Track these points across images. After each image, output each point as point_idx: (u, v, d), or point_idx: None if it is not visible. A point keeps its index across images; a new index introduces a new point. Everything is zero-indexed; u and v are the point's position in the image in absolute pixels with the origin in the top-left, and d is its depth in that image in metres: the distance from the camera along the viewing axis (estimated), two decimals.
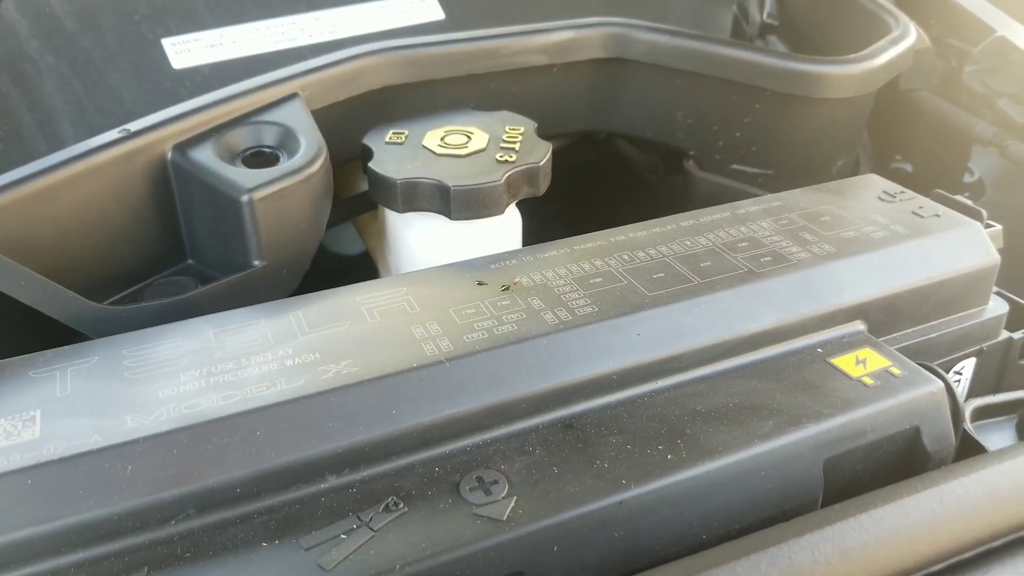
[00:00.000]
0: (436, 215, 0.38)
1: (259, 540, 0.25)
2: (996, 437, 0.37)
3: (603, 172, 0.61)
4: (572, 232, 0.36)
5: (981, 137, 0.55)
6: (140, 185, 0.36)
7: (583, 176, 0.60)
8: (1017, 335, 0.39)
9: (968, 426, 0.35)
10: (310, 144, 0.38)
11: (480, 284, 0.33)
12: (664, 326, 0.31)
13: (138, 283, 0.38)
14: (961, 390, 0.38)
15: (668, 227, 0.37)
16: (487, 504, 0.26)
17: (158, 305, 0.34)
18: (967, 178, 0.62)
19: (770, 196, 0.41)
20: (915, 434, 0.30)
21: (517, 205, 0.41)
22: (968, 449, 0.34)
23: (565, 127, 0.52)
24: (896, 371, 0.31)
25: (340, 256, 0.58)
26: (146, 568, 0.24)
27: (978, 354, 0.38)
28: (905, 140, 0.61)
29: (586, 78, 0.50)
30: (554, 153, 0.41)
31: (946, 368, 0.37)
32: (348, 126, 0.43)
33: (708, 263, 0.34)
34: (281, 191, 0.36)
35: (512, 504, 0.25)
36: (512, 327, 0.30)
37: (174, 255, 0.38)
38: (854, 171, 0.63)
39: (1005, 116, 0.56)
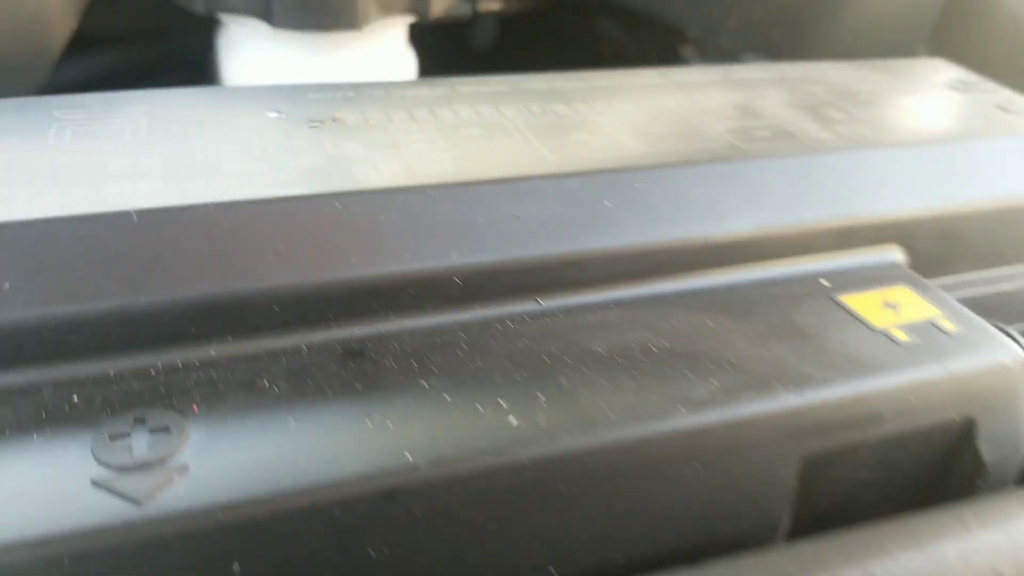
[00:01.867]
0: (258, 25, 0.26)
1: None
2: None
3: (578, 55, 0.48)
4: None
5: None
6: None
7: (550, 57, 0.48)
8: None
9: None
10: None
11: (277, 114, 0.21)
12: (560, 210, 0.19)
13: None
14: None
15: (616, 81, 0.25)
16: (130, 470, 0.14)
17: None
18: None
19: (785, 64, 0.29)
20: (967, 430, 0.18)
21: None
22: None
23: None
24: (948, 324, 0.19)
25: None
26: None
27: None
28: (984, 62, 0.48)
29: None
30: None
31: None
32: None
33: (664, 129, 0.22)
34: None
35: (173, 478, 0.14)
36: (293, 174, 0.18)
37: None
38: None
39: None
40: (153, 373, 0.16)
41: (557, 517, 0.15)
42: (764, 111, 0.24)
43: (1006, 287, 0.24)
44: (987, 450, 0.18)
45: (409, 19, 0.28)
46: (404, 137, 0.20)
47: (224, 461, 0.14)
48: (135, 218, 0.17)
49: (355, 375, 0.17)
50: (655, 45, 0.44)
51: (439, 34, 0.38)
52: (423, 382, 0.16)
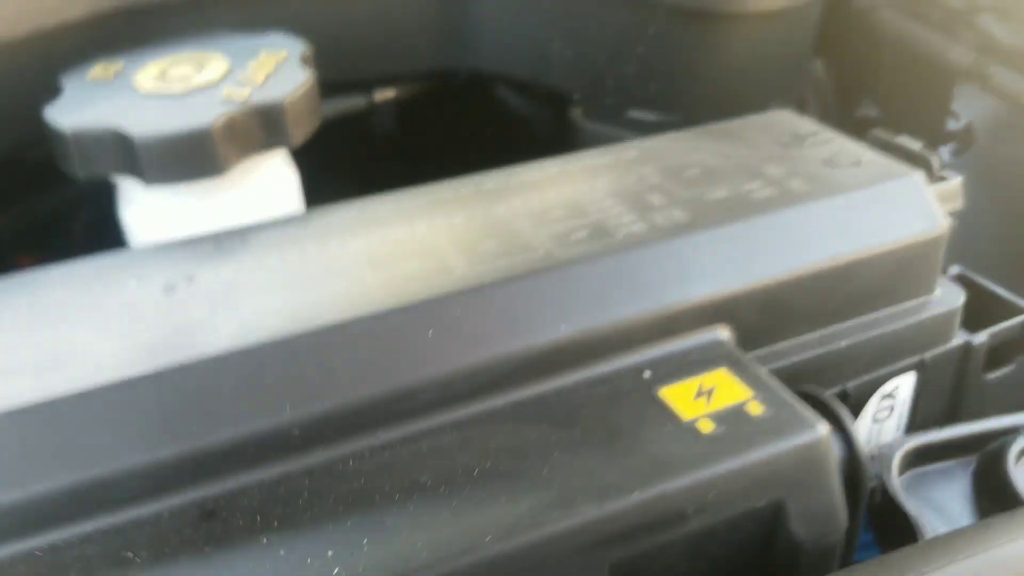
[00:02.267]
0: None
1: None
2: (944, 493, 0.27)
3: (480, 127, 0.50)
4: None
5: (957, 65, 0.45)
6: None
7: (453, 131, 0.50)
8: (978, 338, 0.28)
9: (894, 483, 0.25)
10: None
11: (139, 282, 0.23)
12: (388, 346, 0.21)
13: None
14: (893, 422, 0.28)
15: (459, 192, 0.27)
16: None
17: None
18: (952, 124, 0.51)
19: (633, 143, 0.31)
20: (777, 513, 0.20)
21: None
22: (893, 521, 0.24)
23: (405, 65, 0.42)
24: (755, 409, 0.21)
25: None
26: None
27: (918, 368, 0.27)
28: (870, 77, 0.50)
29: None
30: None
31: (870, 390, 0.27)
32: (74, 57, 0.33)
33: (489, 244, 0.24)
34: None
35: None
36: (142, 355, 0.20)
37: None
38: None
39: (987, 36, 0.46)
40: (39, 554, 0.18)
41: None
42: (588, 207, 0.26)
43: (834, 346, 0.25)
44: (801, 530, 0.20)
45: (274, 152, 0.30)
46: (248, 292, 0.22)
47: None
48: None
49: (207, 538, 0.18)
50: (547, 110, 0.47)
51: (340, 128, 0.40)
52: (264, 539, 0.18)
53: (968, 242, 0.32)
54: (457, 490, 0.19)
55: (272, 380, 0.20)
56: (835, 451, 0.21)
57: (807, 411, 0.21)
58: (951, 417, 0.29)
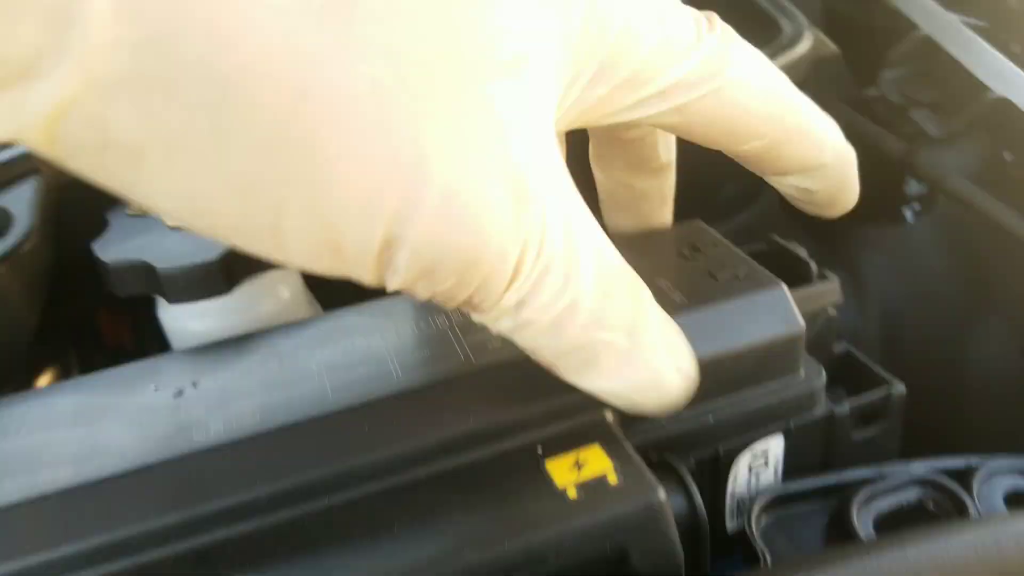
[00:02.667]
0: None
1: None
2: (805, 532, 0.33)
3: None
4: None
5: (890, 154, 0.51)
6: None
7: None
8: (840, 407, 0.35)
9: (752, 524, 0.31)
10: (19, 227, 0.37)
11: (156, 389, 0.31)
12: (335, 437, 0.29)
13: None
14: (769, 474, 0.34)
15: (396, 305, 0.35)
16: None
17: None
18: (913, 189, 0.57)
19: None
20: (622, 556, 0.27)
21: None
22: (752, 554, 0.31)
23: None
24: (613, 478, 0.28)
25: None
26: None
27: (785, 432, 0.34)
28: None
29: None
30: None
31: (740, 450, 0.33)
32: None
33: (426, 352, 0.32)
34: None
35: None
36: (151, 445, 0.28)
37: None
38: (750, 200, 0.59)
39: (919, 130, 0.52)
40: None
41: None
42: None
43: (705, 419, 0.32)
44: (642, 566, 0.27)
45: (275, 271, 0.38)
46: (236, 395, 0.30)
47: None
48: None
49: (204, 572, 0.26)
50: None
51: None
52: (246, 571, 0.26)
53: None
54: (380, 540, 0.26)
55: (249, 465, 0.28)
56: (674, 507, 0.28)
57: (652, 479, 0.27)
58: (824, 468, 0.35)
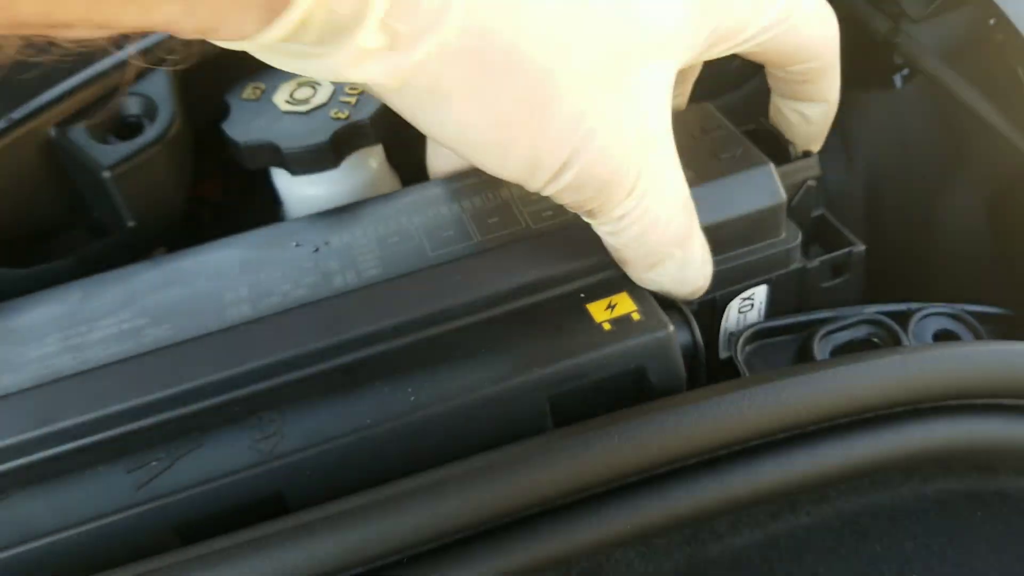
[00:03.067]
0: None
1: (97, 464, 0.36)
2: (779, 358, 0.44)
3: None
4: None
5: (875, 33, 0.58)
6: (33, 164, 0.46)
7: None
8: (812, 263, 0.45)
9: (737, 352, 0.43)
10: (164, 112, 0.46)
11: (297, 246, 0.42)
12: (438, 285, 0.39)
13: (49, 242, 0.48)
14: (754, 314, 0.45)
15: (468, 181, 0.44)
16: (261, 439, 0.36)
17: (46, 268, 0.44)
18: (900, 58, 0.63)
19: None
20: (641, 373, 0.38)
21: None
22: (736, 374, 0.42)
23: None
24: (636, 316, 0.39)
25: None
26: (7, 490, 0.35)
27: (768, 283, 0.44)
28: None
29: None
30: None
31: (733, 296, 0.44)
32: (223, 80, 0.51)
33: (495, 218, 0.42)
34: (139, 162, 0.45)
35: (277, 439, 0.35)
36: (304, 291, 0.39)
37: (77, 217, 0.48)
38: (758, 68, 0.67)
39: (902, 11, 0.58)
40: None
41: (438, 441, 0.36)
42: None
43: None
44: (657, 381, 0.38)
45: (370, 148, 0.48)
46: (360, 252, 0.41)
47: None
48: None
49: (349, 383, 0.38)
50: None
51: None
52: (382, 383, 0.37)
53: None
54: (469, 361, 0.37)
55: (376, 304, 0.39)
56: (680, 338, 0.39)
57: (665, 317, 0.38)
58: (798, 310, 0.46)
